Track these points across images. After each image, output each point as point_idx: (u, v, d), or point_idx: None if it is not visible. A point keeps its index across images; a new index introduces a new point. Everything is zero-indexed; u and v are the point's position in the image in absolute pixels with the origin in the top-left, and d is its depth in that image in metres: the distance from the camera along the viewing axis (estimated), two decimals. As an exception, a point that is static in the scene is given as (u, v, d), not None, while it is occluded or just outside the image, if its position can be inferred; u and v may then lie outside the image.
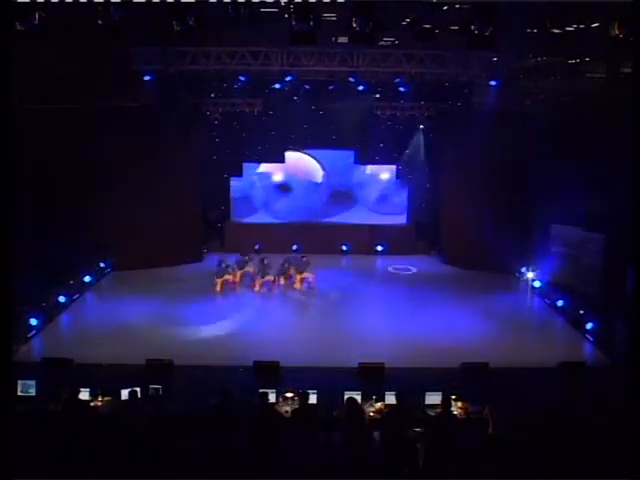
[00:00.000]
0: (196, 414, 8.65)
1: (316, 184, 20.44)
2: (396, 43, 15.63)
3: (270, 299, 15.78)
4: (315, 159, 20.38)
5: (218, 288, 16.03)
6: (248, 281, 16.52)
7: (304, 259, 16.62)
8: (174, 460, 7.34)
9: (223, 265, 16.34)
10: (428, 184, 20.44)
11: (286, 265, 16.55)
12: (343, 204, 20.64)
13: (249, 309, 15.02)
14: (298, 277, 16.35)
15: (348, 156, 20.22)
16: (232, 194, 20.44)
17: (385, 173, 20.49)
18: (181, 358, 11.40)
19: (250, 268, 16.59)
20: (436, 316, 14.27)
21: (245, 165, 20.20)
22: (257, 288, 16.21)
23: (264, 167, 20.30)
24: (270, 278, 16.33)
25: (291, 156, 20.13)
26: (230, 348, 12.47)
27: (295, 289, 16.29)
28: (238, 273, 16.47)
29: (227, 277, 16.26)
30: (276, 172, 20.29)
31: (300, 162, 20.33)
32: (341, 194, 20.63)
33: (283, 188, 20.32)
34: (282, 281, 16.46)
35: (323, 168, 20.43)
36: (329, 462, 7.51)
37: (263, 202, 20.53)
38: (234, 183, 20.36)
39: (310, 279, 16.44)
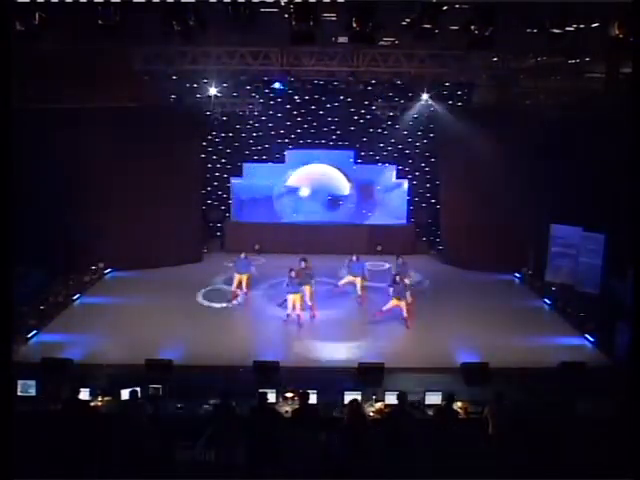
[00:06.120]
0: (196, 414, 8.64)
1: (344, 197, 20.43)
2: (396, 43, 15.61)
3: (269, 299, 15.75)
4: (341, 171, 20.34)
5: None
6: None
7: (307, 265, 14.48)
8: (174, 460, 7.34)
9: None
10: (428, 184, 20.48)
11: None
12: (367, 209, 20.71)
13: (249, 309, 15.02)
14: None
15: (381, 168, 20.43)
16: (235, 195, 20.40)
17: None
18: (181, 358, 11.42)
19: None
20: (436, 316, 14.26)
21: (245, 165, 20.21)
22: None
23: (292, 181, 20.25)
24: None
25: (317, 169, 20.20)
26: (230, 348, 12.47)
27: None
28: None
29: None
30: (304, 185, 20.24)
31: (327, 175, 20.34)
32: (366, 201, 20.65)
33: (334, 202, 20.40)
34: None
35: (349, 180, 20.36)
36: (329, 462, 7.51)
37: (291, 212, 20.51)
38: (243, 184, 20.32)
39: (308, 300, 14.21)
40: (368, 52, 14.98)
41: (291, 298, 13.72)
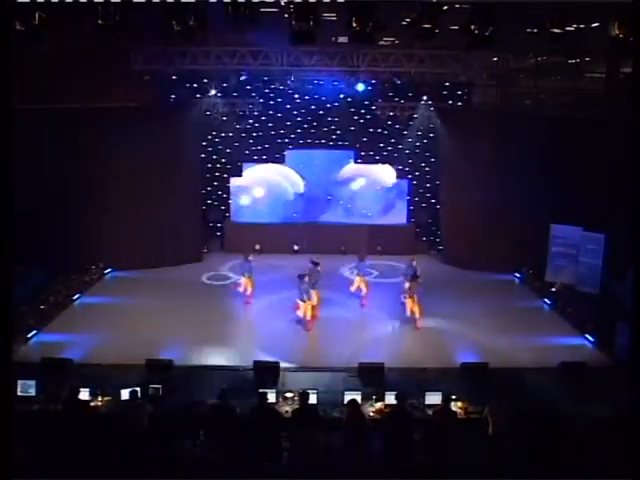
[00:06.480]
0: (196, 414, 8.64)
1: (388, 188, 20.42)
2: (396, 43, 15.64)
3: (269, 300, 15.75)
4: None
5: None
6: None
7: (318, 268, 14.35)
8: (174, 460, 7.35)
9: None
10: (428, 184, 20.48)
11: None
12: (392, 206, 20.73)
13: (248, 309, 15.03)
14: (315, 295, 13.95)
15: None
16: (236, 196, 20.38)
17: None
18: (181, 358, 11.42)
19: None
20: (436, 316, 14.25)
21: (245, 165, 20.20)
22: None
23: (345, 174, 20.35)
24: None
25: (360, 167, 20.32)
26: (230, 348, 12.47)
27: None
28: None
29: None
30: (357, 178, 20.35)
31: (374, 168, 20.39)
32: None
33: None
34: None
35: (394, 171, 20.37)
36: (329, 462, 7.52)
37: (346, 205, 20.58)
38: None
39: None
40: (368, 52, 15.00)
41: (301, 304, 13.48)
